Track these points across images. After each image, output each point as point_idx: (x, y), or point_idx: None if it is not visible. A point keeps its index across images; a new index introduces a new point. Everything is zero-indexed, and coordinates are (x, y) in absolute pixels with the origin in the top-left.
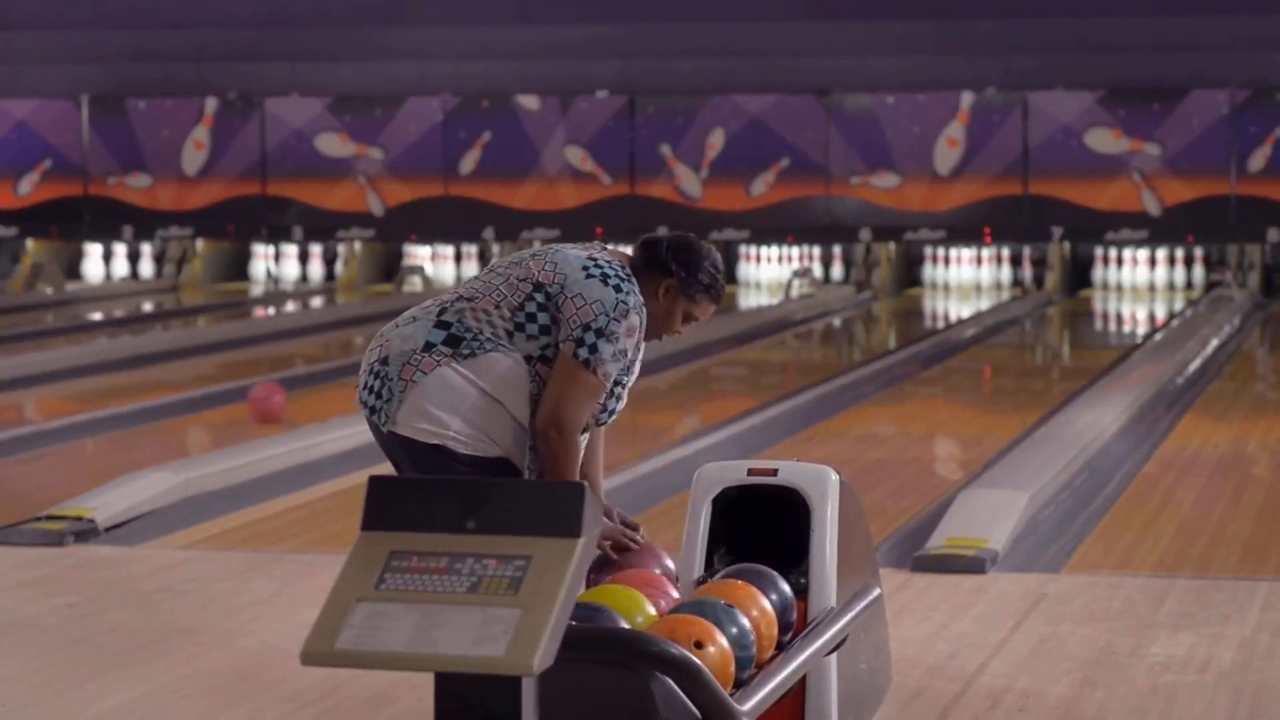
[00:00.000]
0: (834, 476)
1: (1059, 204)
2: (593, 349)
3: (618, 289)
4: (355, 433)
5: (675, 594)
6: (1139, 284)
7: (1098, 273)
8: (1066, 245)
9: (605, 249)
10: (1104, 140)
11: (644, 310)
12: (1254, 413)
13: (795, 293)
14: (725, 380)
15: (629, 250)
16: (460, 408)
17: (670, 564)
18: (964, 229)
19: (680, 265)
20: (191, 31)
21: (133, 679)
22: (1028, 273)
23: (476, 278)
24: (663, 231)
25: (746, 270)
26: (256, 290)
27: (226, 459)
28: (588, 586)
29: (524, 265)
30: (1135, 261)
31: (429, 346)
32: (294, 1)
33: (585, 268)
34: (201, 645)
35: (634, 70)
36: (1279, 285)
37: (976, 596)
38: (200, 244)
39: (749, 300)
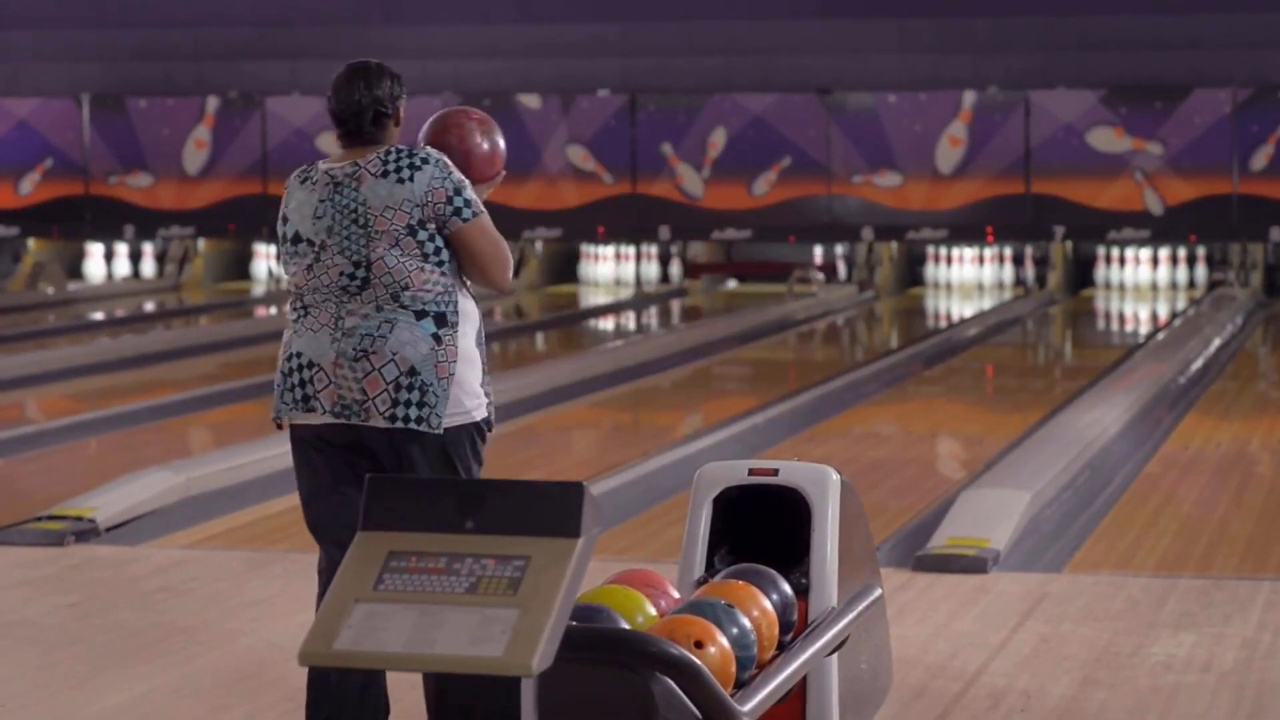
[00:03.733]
0: (835, 476)
1: (1061, 203)
2: (466, 203)
3: (425, 160)
4: None
5: None
6: (1141, 283)
7: (1100, 272)
8: (1068, 244)
9: (343, 162)
10: (1106, 139)
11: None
12: (1256, 412)
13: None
14: (727, 379)
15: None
16: (475, 370)
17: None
18: (966, 228)
19: (392, 102)
20: (192, 30)
21: (133, 678)
22: (1030, 272)
23: (358, 274)
24: (664, 233)
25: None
26: (258, 289)
27: (227, 458)
28: None
29: (379, 235)
30: (1137, 261)
31: (436, 337)
32: (295, 0)
33: (400, 179)
34: (202, 645)
35: (636, 69)
36: None
37: (978, 596)
38: (202, 243)
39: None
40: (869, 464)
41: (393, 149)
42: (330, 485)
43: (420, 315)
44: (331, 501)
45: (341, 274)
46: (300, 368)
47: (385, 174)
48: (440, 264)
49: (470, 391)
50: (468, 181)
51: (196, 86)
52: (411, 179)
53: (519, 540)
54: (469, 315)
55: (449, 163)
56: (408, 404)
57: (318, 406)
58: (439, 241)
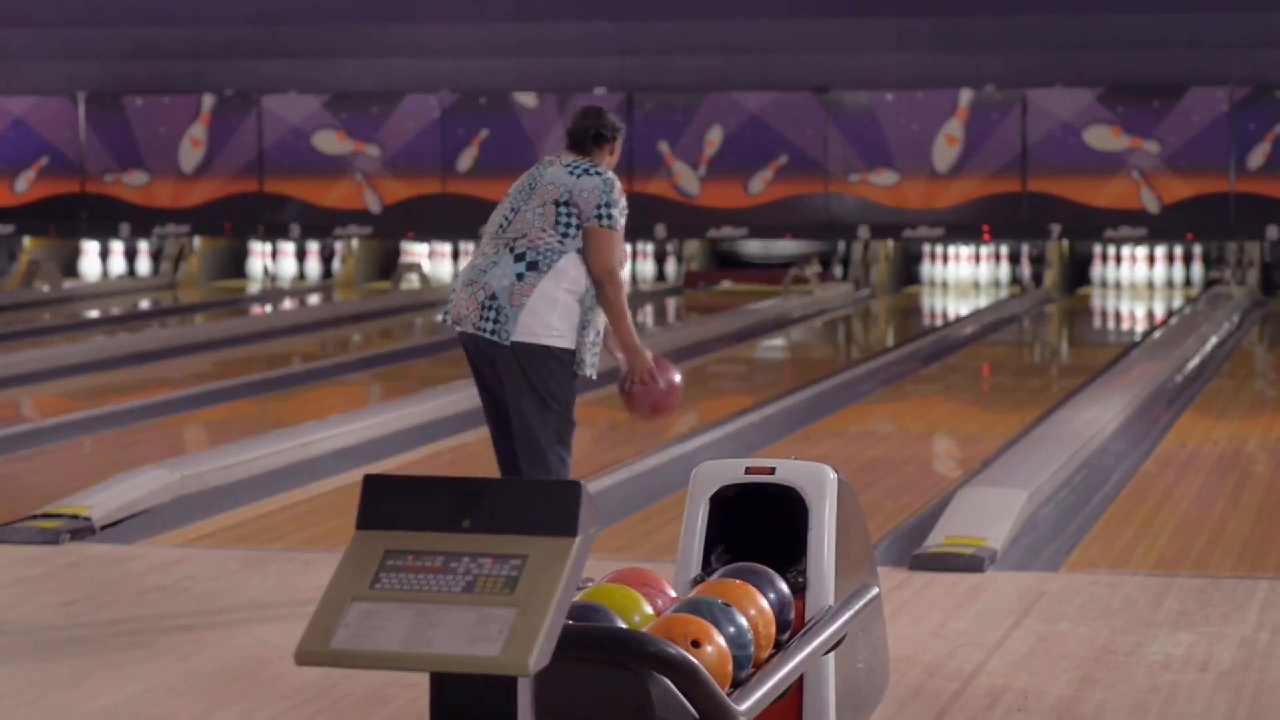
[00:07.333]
0: (832, 475)
1: (1058, 201)
2: (608, 215)
3: (599, 174)
4: (352, 430)
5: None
6: (1138, 281)
7: (1096, 270)
8: (1065, 243)
9: (560, 157)
10: (1103, 138)
11: (615, 175)
12: (1253, 410)
13: (796, 283)
14: (723, 378)
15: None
16: (554, 312)
17: (676, 376)
18: (962, 226)
19: (611, 132)
20: (189, 28)
21: (129, 677)
22: (1026, 270)
23: (509, 220)
24: (660, 231)
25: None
26: (254, 288)
27: (223, 457)
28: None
29: (537, 196)
30: (1134, 259)
31: (521, 276)
32: None
33: (574, 173)
34: (197, 643)
35: (632, 67)
36: (1278, 283)
37: (975, 595)
38: (197, 241)
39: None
40: (866, 462)
41: (589, 163)
42: (487, 404)
43: (518, 259)
44: (491, 420)
45: (502, 218)
46: (454, 290)
47: (567, 168)
48: (564, 236)
49: (544, 324)
50: (617, 199)
51: (193, 84)
52: (579, 178)
53: (516, 539)
54: (566, 274)
55: (617, 183)
56: (488, 319)
57: (447, 319)
58: (574, 221)
